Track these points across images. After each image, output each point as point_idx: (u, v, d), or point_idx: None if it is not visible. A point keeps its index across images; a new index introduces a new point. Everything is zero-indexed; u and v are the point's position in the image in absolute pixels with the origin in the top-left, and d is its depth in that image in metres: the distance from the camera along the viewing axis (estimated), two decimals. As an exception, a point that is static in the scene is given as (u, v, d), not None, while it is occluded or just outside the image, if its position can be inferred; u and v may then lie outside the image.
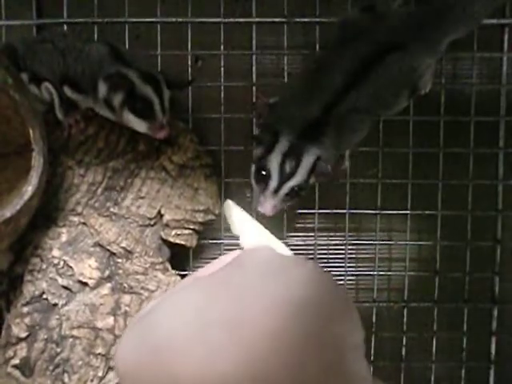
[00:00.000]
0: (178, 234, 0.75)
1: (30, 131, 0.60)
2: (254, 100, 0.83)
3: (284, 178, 0.66)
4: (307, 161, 0.66)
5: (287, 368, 0.32)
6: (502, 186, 0.86)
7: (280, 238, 0.48)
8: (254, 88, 0.84)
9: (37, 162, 0.61)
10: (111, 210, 0.74)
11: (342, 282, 0.86)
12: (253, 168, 0.69)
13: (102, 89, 0.68)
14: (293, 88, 0.74)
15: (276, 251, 0.41)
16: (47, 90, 0.72)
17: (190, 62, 0.83)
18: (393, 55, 0.68)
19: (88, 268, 0.71)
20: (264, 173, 0.66)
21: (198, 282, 0.38)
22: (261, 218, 0.60)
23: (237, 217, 0.50)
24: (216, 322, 0.33)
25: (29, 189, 0.60)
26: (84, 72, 0.69)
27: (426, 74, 0.72)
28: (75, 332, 0.69)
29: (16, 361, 0.68)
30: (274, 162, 0.66)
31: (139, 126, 0.68)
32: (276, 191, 0.66)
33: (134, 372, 0.35)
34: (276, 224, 0.87)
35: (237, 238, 0.49)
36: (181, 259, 0.83)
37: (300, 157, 0.66)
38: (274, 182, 0.66)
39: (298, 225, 0.89)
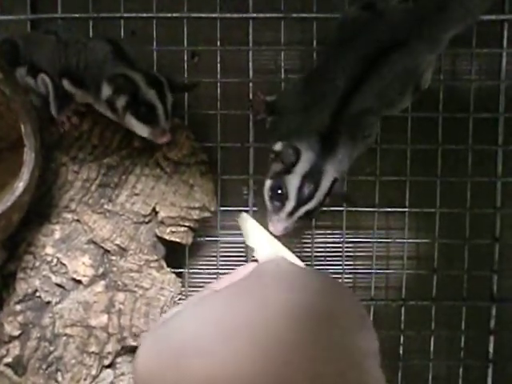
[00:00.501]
0: (173, 232, 0.75)
1: (22, 126, 0.60)
2: (251, 97, 0.82)
3: (301, 202, 0.64)
4: (325, 184, 0.65)
5: (306, 375, 0.32)
6: (500, 183, 0.85)
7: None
8: (250, 84, 0.83)
9: (28, 157, 0.60)
10: (105, 206, 0.73)
11: (339, 280, 0.86)
12: (268, 183, 0.67)
13: (106, 90, 0.66)
14: (296, 95, 0.72)
15: (292, 263, 0.42)
16: (43, 82, 0.71)
17: (186, 58, 0.83)
18: (395, 53, 0.67)
19: (82, 265, 0.70)
20: (280, 192, 0.65)
21: (218, 293, 0.39)
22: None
23: (251, 229, 0.51)
24: (238, 330, 0.34)
25: (20, 185, 0.60)
26: (86, 68, 0.68)
27: (427, 70, 0.72)
28: (68, 330, 0.69)
29: (9, 359, 0.68)
30: (292, 185, 0.64)
31: (141, 130, 0.67)
32: (291, 214, 0.64)
33: (157, 375, 0.36)
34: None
35: (251, 249, 0.49)
36: (177, 257, 0.83)
37: (319, 181, 0.64)
38: (290, 205, 0.64)
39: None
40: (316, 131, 0.66)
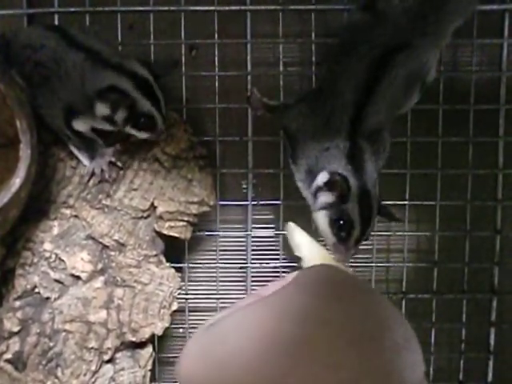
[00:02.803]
0: (172, 226, 0.74)
1: (17, 122, 0.59)
2: (249, 94, 0.81)
3: (365, 227, 0.64)
4: (375, 205, 0.65)
5: None
6: (501, 175, 0.85)
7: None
8: (249, 77, 0.83)
9: (24, 153, 0.60)
10: (103, 202, 0.73)
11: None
12: (326, 217, 0.65)
13: (102, 109, 0.67)
14: (304, 118, 0.71)
15: (340, 274, 0.41)
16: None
17: (183, 52, 0.82)
18: (401, 55, 0.67)
19: (80, 261, 0.70)
20: (343, 222, 0.63)
21: (262, 302, 0.38)
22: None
23: (299, 239, 0.51)
24: (282, 344, 0.34)
25: (16, 181, 0.60)
26: (73, 92, 0.68)
27: (433, 64, 0.71)
28: (68, 326, 0.69)
29: (8, 355, 0.68)
30: (355, 213, 0.63)
31: (142, 136, 0.69)
32: (359, 240, 0.64)
33: (199, 382, 0.36)
34: (273, 215, 0.87)
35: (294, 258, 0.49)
36: (176, 251, 0.83)
37: (370, 202, 0.64)
38: (357, 232, 0.64)
39: (295, 217, 0.87)
40: (341, 154, 0.65)
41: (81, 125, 0.70)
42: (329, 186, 0.64)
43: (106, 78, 0.66)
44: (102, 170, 0.73)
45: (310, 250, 0.50)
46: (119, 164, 0.74)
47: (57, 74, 0.67)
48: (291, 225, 0.54)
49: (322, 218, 0.65)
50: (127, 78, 0.66)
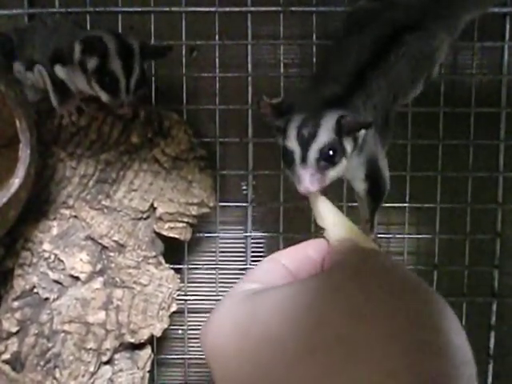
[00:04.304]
0: (172, 228, 0.74)
1: (17, 122, 0.59)
2: (257, 100, 0.77)
3: (305, 143, 0.56)
4: (327, 122, 0.57)
5: None
6: (502, 178, 0.84)
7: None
8: (249, 79, 0.83)
9: (24, 153, 0.60)
10: (103, 202, 0.73)
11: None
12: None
13: (77, 51, 0.67)
14: (303, 93, 0.69)
15: (391, 261, 0.38)
16: (40, 74, 0.71)
17: (184, 53, 0.82)
18: (411, 35, 0.65)
19: (79, 262, 0.70)
20: (288, 154, 0.58)
21: (303, 286, 0.35)
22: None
23: (323, 208, 0.48)
24: (333, 339, 0.31)
25: (16, 181, 0.59)
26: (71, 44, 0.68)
27: (442, 56, 0.70)
28: (66, 327, 0.68)
29: (7, 356, 0.67)
30: (291, 136, 0.57)
31: (103, 96, 0.68)
32: (303, 160, 0.56)
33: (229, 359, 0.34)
34: (274, 219, 0.86)
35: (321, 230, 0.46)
36: (176, 253, 0.83)
37: (318, 121, 0.57)
38: (297, 152, 0.57)
39: (295, 218, 0.87)
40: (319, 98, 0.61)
41: (61, 71, 0.70)
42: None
43: (95, 32, 0.69)
44: (71, 114, 0.74)
45: (334, 221, 0.47)
46: (84, 108, 0.74)
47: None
48: (316, 193, 0.51)
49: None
50: (113, 38, 0.67)
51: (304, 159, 0.56)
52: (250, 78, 0.83)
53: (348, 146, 0.58)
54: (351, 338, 0.30)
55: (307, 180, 0.55)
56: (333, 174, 0.58)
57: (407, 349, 0.30)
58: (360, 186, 0.67)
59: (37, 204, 0.72)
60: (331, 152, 0.57)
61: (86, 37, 0.67)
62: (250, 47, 0.83)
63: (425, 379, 0.29)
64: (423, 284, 0.35)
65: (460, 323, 0.33)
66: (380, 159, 0.66)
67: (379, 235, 0.85)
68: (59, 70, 0.70)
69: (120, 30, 0.81)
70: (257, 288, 0.38)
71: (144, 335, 0.70)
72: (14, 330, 0.68)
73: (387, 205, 0.84)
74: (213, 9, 0.81)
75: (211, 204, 0.77)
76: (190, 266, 0.86)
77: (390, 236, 0.87)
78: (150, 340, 0.73)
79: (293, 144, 0.57)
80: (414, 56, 0.65)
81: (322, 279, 0.36)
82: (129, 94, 0.67)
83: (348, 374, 0.29)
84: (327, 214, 0.47)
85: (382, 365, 0.29)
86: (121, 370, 0.70)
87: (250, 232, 0.86)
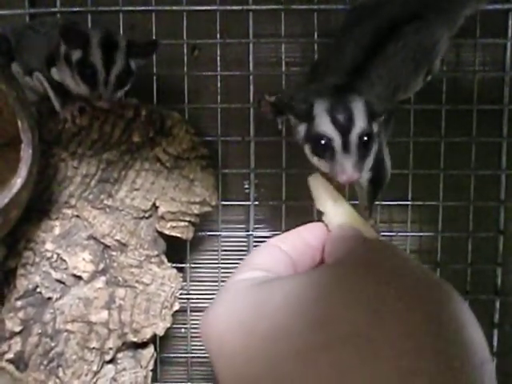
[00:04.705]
0: (174, 227, 0.74)
1: (19, 122, 0.59)
2: (259, 100, 0.76)
3: (345, 129, 0.55)
4: (357, 107, 0.56)
5: None
6: (505, 175, 0.84)
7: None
8: (251, 77, 0.82)
9: (25, 153, 0.60)
10: (105, 202, 0.73)
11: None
12: (307, 147, 0.58)
13: (63, 46, 0.68)
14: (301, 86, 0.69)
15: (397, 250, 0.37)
16: (39, 80, 0.71)
17: (185, 51, 0.82)
18: (410, 26, 0.65)
19: (82, 261, 0.70)
20: (323, 142, 0.55)
21: (310, 278, 0.34)
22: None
23: (324, 192, 0.47)
24: (341, 338, 0.30)
25: (18, 181, 0.59)
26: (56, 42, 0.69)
27: (442, 51, 0.70)
28: (69, 326, 0.68)
29: (10, 355, 0.68)
30: (325, 122, 0.55)
31: (83, 89, 0.69)
32: (345, 147, 0.55)
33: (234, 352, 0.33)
34: (276, 217, 0.86)
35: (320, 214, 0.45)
36: (178, 251, 0.83)
37: (348, 105, 0.56)
38: (336, 139, 0.55)
39: (297, 217, 0.87)
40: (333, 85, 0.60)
41: (56, 73, 0.71)
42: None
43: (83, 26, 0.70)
44: (74, 116, 0.74)
45: (334, 205, 0.46)
46: (87, 108, 0.74)
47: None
48: (317, 176, 0.47)
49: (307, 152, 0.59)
50: (98, 32, 0.68)
51: (346, 146, 0.55)
52: (251, 77, 0.83)
53: (374, 127, 0.57)
54: (368, 334, 0.29)
55: (351, 168, 0.54)
56: (369, 160, 0.57)
57: (427, 346, 0.29)
58: (364, 175, 0.66)
59: (39, 204, 0.72)
60: (366, 138, 0.56)
61: (66, 27, 0.68)
62: (251, 46, 0.83)
63: (447, 378, 0.28)
64: (438, 279, 0.33)
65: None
66: (383, 148, 0.66)
67: (382, 233, 0.85)
68: (55, 73, 0.71)
69: (121, 29, 0.81)
70: (260, 276, 0.37)
71: (147, 334, 0.70)
72: (18, 329, 0.68)
73: (389, 203, 0.84)
74: (214, 7, 0.81)
75: (213, 203, 0.77)
76: (193, 265, 0.86)
77: (393, 234, 0.87)
78: (153, 339, 0.73)
79: (329, 130, 0.55)
80: (413, 48, 0.65)
81: (331, 272, 0.35)
82: (107, 87, 0.67)
83: (365, 372, 0.28)
84: (328, 199, 0.46)
85: (401, 362, 0.28)
86: (124, 369, 0.70)
87: (253, 230, 0.86)
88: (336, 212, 0.44)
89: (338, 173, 0.53)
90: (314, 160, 0.57)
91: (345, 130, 0.55)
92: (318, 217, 0.45)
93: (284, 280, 0.36)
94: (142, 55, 0.72)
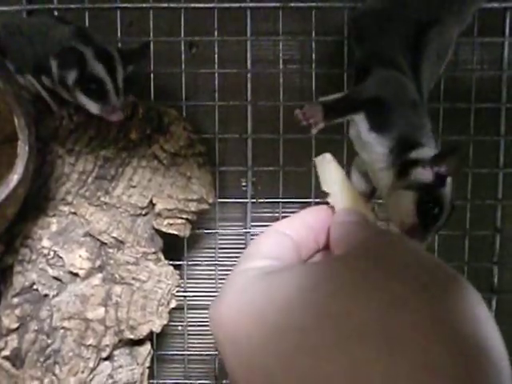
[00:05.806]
0: (171, 224, 0.74)
1: (15, 119, 0.59)
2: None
3: (448, 216, 0.57)
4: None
5: None
6: (502, 174, 0.84)
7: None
8: (248, 75, 0.82)
9: (22, 150, 0.60)
10: (102, 199, 0.73)
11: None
12: (415, 195, 0.56)
13: (54, 66, 0.65)
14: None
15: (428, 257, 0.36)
16: (30, 82, 0.70)
17: (183, 49, 0.82)
18: (433, 31, 0.65)
19: (78, 258, 0.70)
20: (432, 206, 0.56)
21: (321, 271, 0.33)
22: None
23: (330, 174, 0.46)
24: (359, 331, 0.29)
25: (14, 177, 0.59)
26: (47, 56, 0.66)
27: (452, 46, 0.70)
28: (66, 323, 0.68)
29: (7, 352, 0.68)
30: (447, 199, 0.56)
31: (92, 107, 0.65)
32: (440, 229, 0.57)
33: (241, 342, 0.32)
34: (272, 213, 0.86)
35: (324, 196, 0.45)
36: (175, 249, 0.83)
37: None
38: (442, 220, 0.56)
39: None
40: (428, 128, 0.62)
41: (47, 81, 0.69)
42: (436, 161, 0.56)
43: (67, 40, 0.65)
44: (70, 114, 0.73)
45: (341, 188, 0.45)
46: None
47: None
48: (327, 156, 0.46)
49: (407, 197, 0.56)
50: (89, 47, 0.64)
51: (440, 229, 0.58)
52: (249, 75, 0.82)
53: None
54: (388, 328, 0.28)
55: (423, 241, 0.57)
56: None
57: (444, 342, 0.28)
58: None
59: (35, 201, 0.72)
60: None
61: (61, 51, 0.64)
62: (249, 43, 0.83)
63: (468, 374, 0.27)
64: (454, 272, 0.33)
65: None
66: None
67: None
68: (45, 80, 0.69)
69: (119, 27, 0.81)
70: (267, 265, 0.36)
71: (143, 331, 0.70)
72: (14, 326, 0.68)
73: (387, 201, 0.84)
74: (212, 5, 0.81)
75: (210, 200, 0.77)
76: (190, 263, 0.86)
77: (390, 232, 0.87)
78: (150, 336, 0.73)
79: (445, 209, 0.56)
80: (436, 52, 0.66)
81: (344, 265, 0.34)
82: (118, 95, 0.65)
83: (385, 366, 0.27)
84: (335, 180, 0.45)
85: (422, 359, 0.27)
86: (120, 366, 0.70)
87: (250, 228, 0.86)
88: (342, 194, 0.44)
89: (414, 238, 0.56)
90: None
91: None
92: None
93: (294, 270, 0.35)
94: (134, 61, 0.70)
